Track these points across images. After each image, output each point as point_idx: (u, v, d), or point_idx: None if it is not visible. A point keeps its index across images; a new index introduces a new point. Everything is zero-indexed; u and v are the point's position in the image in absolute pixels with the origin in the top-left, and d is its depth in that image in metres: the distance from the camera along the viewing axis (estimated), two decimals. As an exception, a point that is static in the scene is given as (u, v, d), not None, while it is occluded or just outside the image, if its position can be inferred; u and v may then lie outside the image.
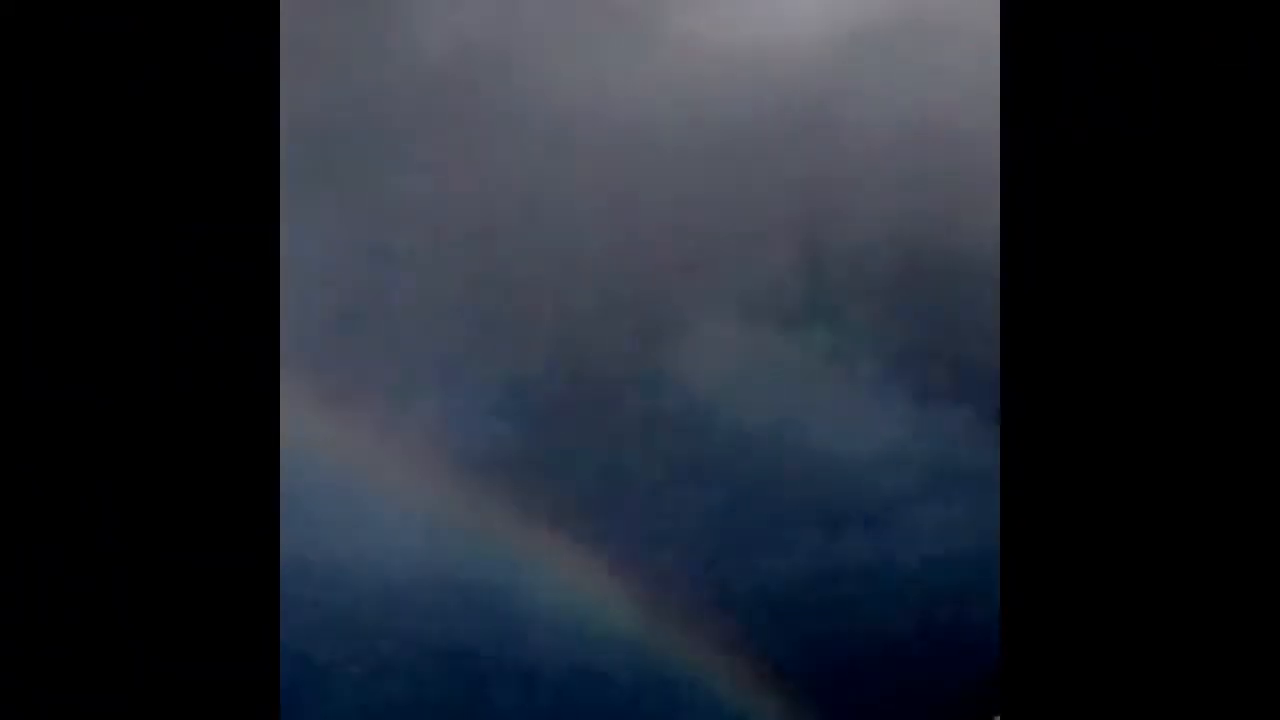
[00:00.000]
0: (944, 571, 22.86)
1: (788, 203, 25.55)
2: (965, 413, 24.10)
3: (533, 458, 25.03)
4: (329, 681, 22.29)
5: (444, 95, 25.37)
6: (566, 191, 25.08)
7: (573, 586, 24.59)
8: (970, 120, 22.26)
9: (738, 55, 25.43)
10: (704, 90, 25.26)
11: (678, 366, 25.44)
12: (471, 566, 23.91)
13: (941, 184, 24.74)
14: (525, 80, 25.72)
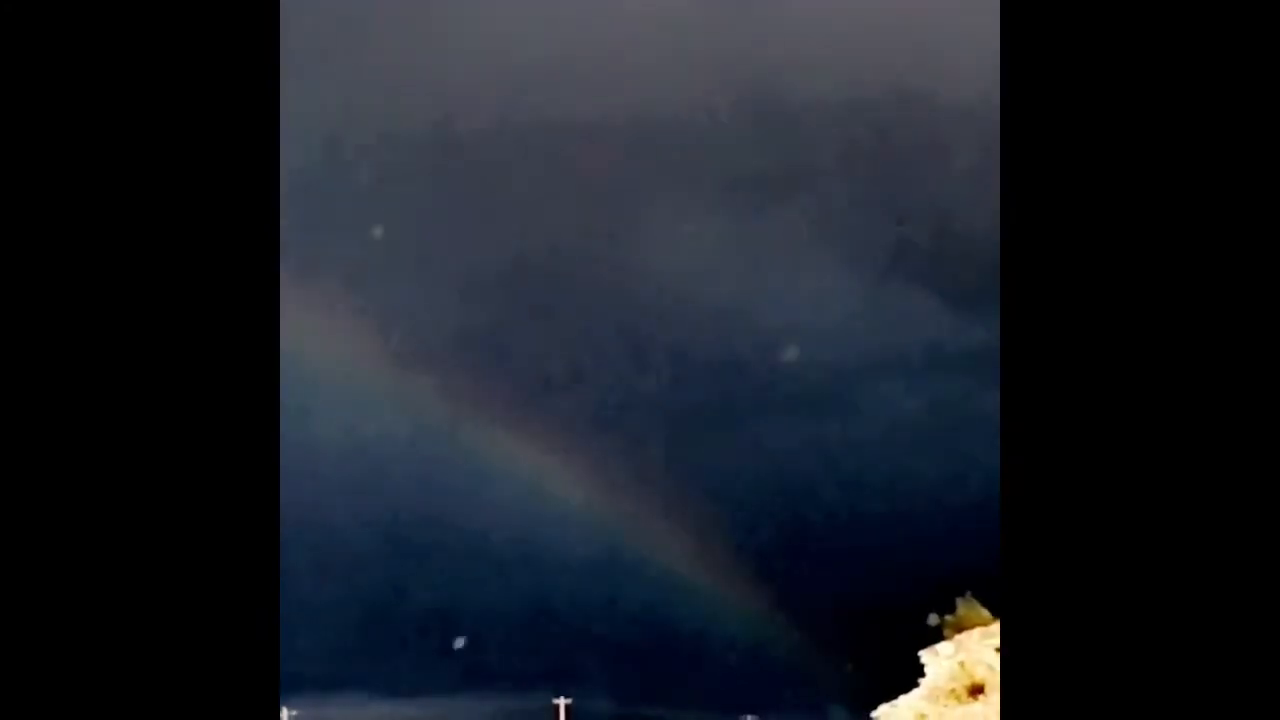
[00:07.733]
0: (909, 450, 23.20)
1: (742, 76, 25.49)
2: (927, 291, 24.32)
3: (495, 342, 25.15)
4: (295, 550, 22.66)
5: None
6: (531, 79, 25.01)
7: (529, 468, 24.78)
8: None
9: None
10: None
11: (638, 250, 25.51)
12: (428, 445, 24.09)
13: (904, 49, 24.71)
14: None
